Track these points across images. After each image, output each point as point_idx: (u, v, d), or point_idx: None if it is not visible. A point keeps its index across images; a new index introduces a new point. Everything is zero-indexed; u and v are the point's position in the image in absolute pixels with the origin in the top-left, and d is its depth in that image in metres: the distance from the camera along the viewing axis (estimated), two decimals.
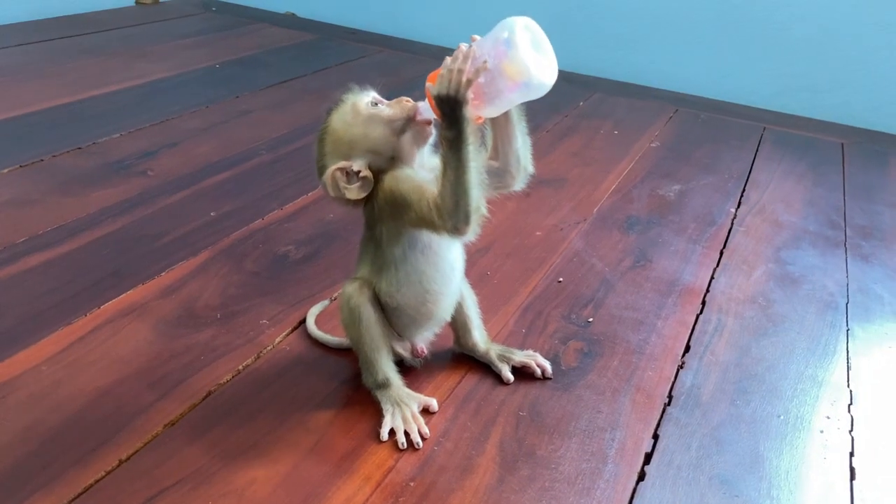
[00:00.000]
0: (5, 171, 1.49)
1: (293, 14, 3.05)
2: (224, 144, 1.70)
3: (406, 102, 0.84)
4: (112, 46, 2.41)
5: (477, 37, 0.78)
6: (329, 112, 0.87)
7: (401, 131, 0.83)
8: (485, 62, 0.74)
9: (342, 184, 0.84)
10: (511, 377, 0.98)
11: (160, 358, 0.98)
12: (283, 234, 1.32)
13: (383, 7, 2.84)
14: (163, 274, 1.17)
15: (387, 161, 0.85)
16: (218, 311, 1.09)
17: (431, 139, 0.85)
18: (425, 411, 0.91)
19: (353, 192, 0.84)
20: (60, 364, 0.96)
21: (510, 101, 0.78)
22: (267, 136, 1.76)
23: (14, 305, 1.07)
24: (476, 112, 0.77)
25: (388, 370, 0.92)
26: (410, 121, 0.83)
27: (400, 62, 2.46)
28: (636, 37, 2.41)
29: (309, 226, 1.36)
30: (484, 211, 0.80)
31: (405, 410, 0.89)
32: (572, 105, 2.15)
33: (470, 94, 0.74)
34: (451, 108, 0.75)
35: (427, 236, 0.85)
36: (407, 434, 0.87)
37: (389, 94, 0.88)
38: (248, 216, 1.37)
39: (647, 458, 0.87)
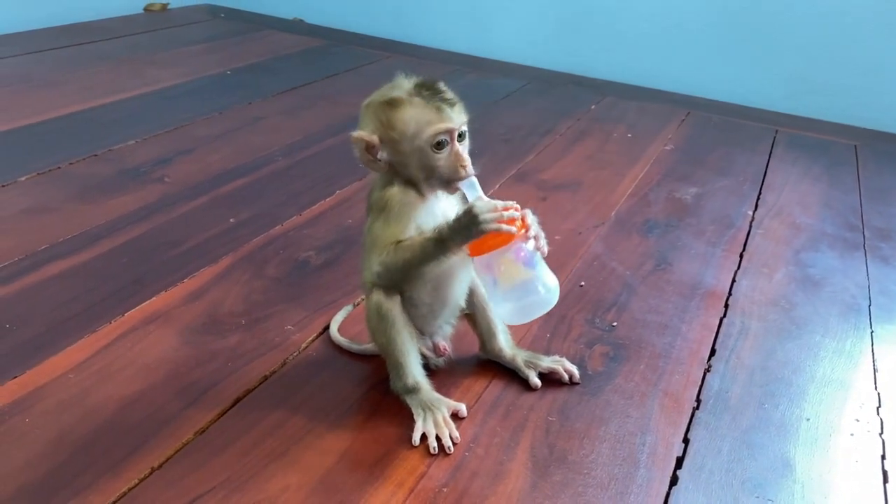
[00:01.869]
0: (23, 178, 1.49)
1: (301, 20, 3.05)
2: (238, 151, 1.70)
3: (462, 168, 0.83)
4: (122, 54, 2.41)
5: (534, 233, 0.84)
6: (418, 89, 0.86)
7: (434, 179, 0.84)
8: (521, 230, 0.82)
9: (361, 145, 0.84)
10: (539, 383, 0.97)
11: (187, 365, 0.98)
12: (303, 240, 1.32)
13: (391, 12, 2.84)
14: (185, 281, 1.17)
15: (404, 178, 0.85)
16: (242, 318, 1.09)
17: (457, 193, 0.87)
18: (454, 416, 0.91)
19: (364, 160, 0.85)
20: (87, 372, 0.96)
21: (488, 275, 0.83)
22: (281, 143, 1.76)
23: (38, 313, 1.07)
24: (477, 249, 0.81)
25: (418, 374, 0.91)
26: (449, 182, 0.84)
27: (408, 67, 2.44)
28: (647, 40, 2.41)
29: (328, 231, 1.36)
30: (401, 289, 0.87)
31: (436, 414, 0.88)
32: (584, 108, 2.15)
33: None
34: (465, 221, 0.79)
35: (420, 225, 0.85)
36: (438, 439, 0.86)
37: None
38: (266, 222, 1.37)
39: (679, 462, 0.87)
